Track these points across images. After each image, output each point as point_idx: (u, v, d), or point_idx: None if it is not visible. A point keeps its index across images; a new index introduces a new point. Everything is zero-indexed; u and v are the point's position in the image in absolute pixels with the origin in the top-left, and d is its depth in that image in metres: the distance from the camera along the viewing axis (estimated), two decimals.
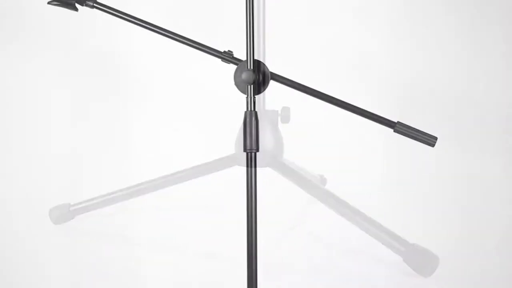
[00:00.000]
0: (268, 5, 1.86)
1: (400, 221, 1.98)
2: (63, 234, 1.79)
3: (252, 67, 1.38)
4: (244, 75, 1.35)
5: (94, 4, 1.52)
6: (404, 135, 1.33)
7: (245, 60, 1.39)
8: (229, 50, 1.45)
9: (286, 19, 1.94)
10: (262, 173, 1.56)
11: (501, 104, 1.95)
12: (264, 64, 1.39)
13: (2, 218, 1.97)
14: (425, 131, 1.34)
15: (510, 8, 1.95)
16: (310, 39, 1.95)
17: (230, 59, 1.44)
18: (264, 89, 1.39)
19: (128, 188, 1.81)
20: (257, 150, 1.40)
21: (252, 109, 1.39)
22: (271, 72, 1.39)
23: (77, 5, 1.53)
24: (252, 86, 1.38)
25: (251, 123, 1.38)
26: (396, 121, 1.35)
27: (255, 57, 1.40)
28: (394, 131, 1.34)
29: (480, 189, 1.96)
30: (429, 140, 1.32)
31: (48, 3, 1.52)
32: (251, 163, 1.39)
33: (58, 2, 1.52)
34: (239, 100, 1.39)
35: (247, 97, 1.39)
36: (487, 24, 1.95)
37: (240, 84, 1.38)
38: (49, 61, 1.98)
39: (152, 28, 1.48)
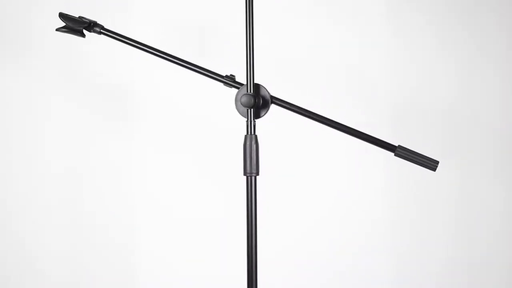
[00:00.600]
0: (266, 26, 1.88)
1: (401, 244, 1.98)
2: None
3: (251, 91, 1.38)
4: (243, 99, 1.35)
5: (101, 30, 1.53)
6: (404, 159, 1.32)
7: (246, 84, 1.40)
8: (231, 74, 1.45)
9: (283, 40, 1.97)
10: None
11: (502, 123, 1.95)
12: (264, 88, 1.39)
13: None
14: (426, 154, 1.32)
15: (508, 23, 1.94)
16: (308, 61, 1.95)
17: (232, 83, 1.44)
18: (265, 113, 1.39)
19: None
20: (257, 174, 1.39)
21: (252, 133, 1.39)
22: (272, 96, 1.39)
23: (84, 31, 1.55)
24: (252, 110, 1.38)
25: (251, 147, 1.38)
26: (397, 144, 1.34)
27: (256, 81, 1.39)
28: (395, 155, 1.33)
29: (480, 210, 1.96)
30: (430, 164, 1.31)
31: (57, 29, 1.54)
32: (251, 186, 1.39)
33: (66, 29, 1.54)
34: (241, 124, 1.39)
35: (247, 121, 1.39)
36: (487, 38, 1.95)
37: (240, 108, 1.38)
38: (49, 82, 2.00)
39: (157, 53, 1.49)
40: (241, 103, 1.36)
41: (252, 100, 1.35)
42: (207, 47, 1.97)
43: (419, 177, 1.82)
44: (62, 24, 1.53)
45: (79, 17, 1.54)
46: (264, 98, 1.39)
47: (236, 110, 1.39)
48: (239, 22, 1.40)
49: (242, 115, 1.38)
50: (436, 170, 1.31)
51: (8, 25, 2.01)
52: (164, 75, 1.96)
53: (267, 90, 1.39)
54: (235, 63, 1.49)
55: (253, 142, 1.37)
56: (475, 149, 1.95)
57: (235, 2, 1.63)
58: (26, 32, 2.01)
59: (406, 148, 1.33)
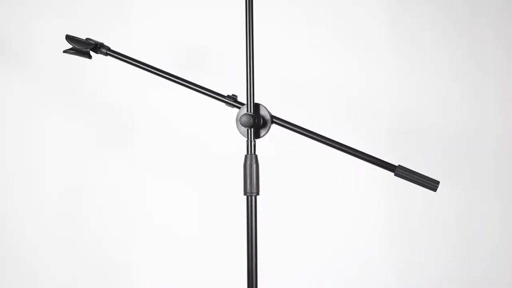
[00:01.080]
0: (267, 46, 1.89)
1: (402, 265, 1.95)
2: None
3: (251, 111, 1.38)
4: (242, 119, 1.35)
5: (108, 52, 1.56)
6: (405, 179, 1.30)
7: (246, 104, 1.40)
8: (233, 94, 1.45)
9: (284, 59, 1.97)
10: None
11: (501, 143, 1.93)
12: (265, 107, 1.39)
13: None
14: (427, 174, 1.30)
15: (507, 43, 1.93)
16: (308, 81, 1.96)
17: (233, 103, 1.45)
18: (266, 133, 1.39)
19: None
20: (258, 193, 1.39)
21: (252, 152, 1.39)
22: (272, 116, 1.39)
23: (91, 53, 1.57)
24: (251, 129, 1.38)
25: (251, 167, 1.38)
26: (397, 164, 1.32)
27: (256, 101, 1.39)
28: (394, 174, 1.31)
29: (480, 230, 1.94)
30: (431, 184, 1.29)
31: (64, 51, 1.57)
32: (251, 206, 1.38)
33: (74, 50, 1.57)
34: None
35: (247, 141, 1.39)
36: (487, 60, 1.93)
37: (240, 128, 1.39)
38: (49, 101, 2.03)
39: (162, 74, 1.51)
40: (240, 123, 1.36)
41: (251, 120, 1.35)
42: (208, 67, 1.98)
43: (419, 197, 1.80)
44: (68, 45, 1.56)
45: (86, 39, 1.57)
46: (264, 118, 1.39)
47: (237, 130, 1.39)
48: (241, 42, 1.40)
49: (243, 135, 1.38)
50: (437, 190, 1.30)
51: (9, 41, 2.04)
52: (165, 94, 1.96)
53: (267, 110, 1.39)
54: (237, 83, 1.49)
55: (253, 162, 1.37)
56: (476, 169, 1.94)
57: (236, 22, 1.64)
58: (26, 48, 2.04)
59: (406, 168, 1.31)
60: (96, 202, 2.02)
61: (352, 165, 1.43)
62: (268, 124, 1.39)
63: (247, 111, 1.38)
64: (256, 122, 1.37)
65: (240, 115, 1.38)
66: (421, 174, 1.31)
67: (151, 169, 2.02)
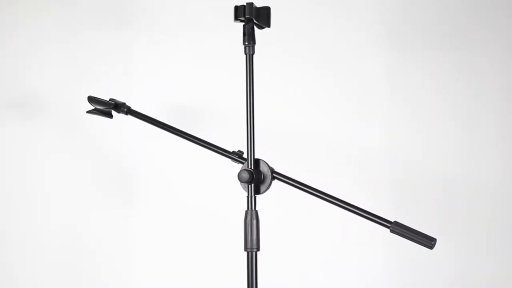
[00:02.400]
0: (266, 103, 1.87)
1: None
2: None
3: (251, 167, 1.39)
4: (240, 174, 1.37)
5: (128, 111, 1.63)
6: (400, 236, 1.26)
7: (247, 160, 1.41)
8: (239, 150, 1.48)
9: (281, 114, 1.98)
10: None
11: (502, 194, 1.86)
12: (265, 163, 1.40)
13: None
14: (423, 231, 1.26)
15: (508, 88, 1.88)
16: (308, 136, 1.95)
17: (239, 159, 1.47)
18: (266, 188, 1.39)
19: None
20: (258, 249, 1.39)
21: (253, 208, 1.39)
22: (273, 171, 1.39)
23: (112, 112, 1.65)
24: (251, 185, 1.39)
25: (251, 223, 1.38)
26: (394, 219, 1.28)
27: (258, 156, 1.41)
28: (390, 231, 1.27)
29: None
30: (427, 242, 1.24)
31: (87, 112, 1.65)
32: (252, 262, 1.38)
33: (96, 111, 1.65)
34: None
35: (247, 196, 1.40)
36: (487, 110, 1.88)
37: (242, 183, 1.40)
38: (56, 151, 2.10)
39: (175, 132, 1.56)
40: (238, 178, 1.37)
41: (248, 176, 1.36)
42: (209, 124, 2.01)
43: (418, 252, 1.73)
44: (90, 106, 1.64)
45: (110, 99, 1.65)
46: (264, 174, 1.40)
47: (240, 185, 1.41)
48: (243, 98, 1.43)
49: (245, 190, 1.40)
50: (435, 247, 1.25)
51: (12, 91, 2.13)
52: (168, 146, 2.00)
53: (268, 165, 1.40)
54: (240, 139, 1.51)
55: (253, 217, 1.38)
56: (474, 225, 1.88)
57: (237, 79, 1.66)
58: (32, 98, 2.12)
59: (402, 224, 1.27)
60: (96, 254, 2.07)
61: (352, 220, 1.40)
62: (269, 180, 1.40)
63: (247, 166, 1.40)
64: (255, 177, 1.38)
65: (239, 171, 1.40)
66: (417, 231, 1.26)
67: (150, 222, 2.04)
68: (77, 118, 2.06)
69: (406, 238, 1.26)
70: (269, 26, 1.41)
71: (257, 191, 1.39)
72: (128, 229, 2.06)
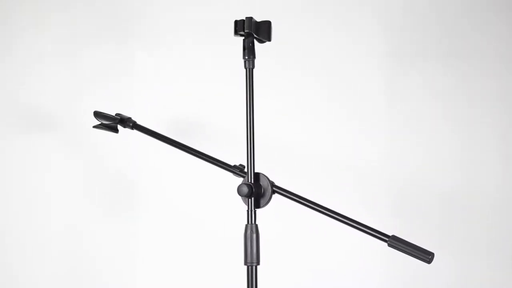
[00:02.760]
0: (266, 117, 1.88)
1: None
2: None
3: (251, 181, 1.39)
4: (239, 188, 1.37)
5: (134, 126, 1.65)
6: (398, 250, 1.25)
7: (247, 174, 1.41)
8: (240, 164, 1.48)
9: (282, 128, 1.98)
10: None
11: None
12: (266, 177, 1.40)
13: None
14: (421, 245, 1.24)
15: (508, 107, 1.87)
16: (307, 149, 1.95)
17: (240, 174, 1.47)
18: (266, 202, 1.39)
19: None
20: (258, 263, 1.39)
21: (253, 222, 1.39)
22: (273, 185, 1.39)
23: (118, 127, 1.67)
24: (251, 199, 1.39)
25: (251, 237, 1.38)
26: (392, 233, 1.27)
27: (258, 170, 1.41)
28: (388, 245, 1.26)
29: None
30: (424, 257, 1.23)
31: (94, 127, 1.68)
32: (252, 277, 1.38)
33: (103, 126, 1.67)
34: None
35: (247, 210, 1.40)
36: (488, 120, 1.87)
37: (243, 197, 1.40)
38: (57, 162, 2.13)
39: (180, 146, 1.57)
40: (238, 192, 1.37)
41: (248, 190, 1.36)
42: (212, 136, 2.02)
43: (416, 265, 1.71)
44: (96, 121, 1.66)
45: (116, 114, 1.68)
46: (264, 187, 1.40)
47: (240, 199, 1.41)
48: (243, 113, 1.43)
49: (245, 204, 1.40)
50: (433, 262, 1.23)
51: (14, 106, 2.15)
52: (169, 159, 2.01)
53: (268, 179, 1.40)
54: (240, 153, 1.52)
55: (253, 231, 1.37)
56: (474, 236, 1.86)
57: (238, 94, 1.67)
58: (33, 113, 2.14)
59: (399, 238, 1.26)
60: (96, 265, 2.07)
61: (351, 233, 1.39)
62: (269, 194, 1.40)
63: (247, 180, 1.40)
64: (255, 191, 1.38)
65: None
66: (414, 246, 1.25)
67: (151, 236, 2.05)
68: (81, 129, 2.08)
69: (404, 253, 1.25)
70: (269, 40, 1.41)
71: (257, 205, 1.39)
72: (129, 240, 2.07)
